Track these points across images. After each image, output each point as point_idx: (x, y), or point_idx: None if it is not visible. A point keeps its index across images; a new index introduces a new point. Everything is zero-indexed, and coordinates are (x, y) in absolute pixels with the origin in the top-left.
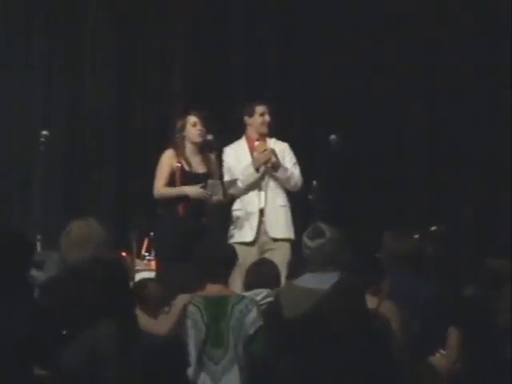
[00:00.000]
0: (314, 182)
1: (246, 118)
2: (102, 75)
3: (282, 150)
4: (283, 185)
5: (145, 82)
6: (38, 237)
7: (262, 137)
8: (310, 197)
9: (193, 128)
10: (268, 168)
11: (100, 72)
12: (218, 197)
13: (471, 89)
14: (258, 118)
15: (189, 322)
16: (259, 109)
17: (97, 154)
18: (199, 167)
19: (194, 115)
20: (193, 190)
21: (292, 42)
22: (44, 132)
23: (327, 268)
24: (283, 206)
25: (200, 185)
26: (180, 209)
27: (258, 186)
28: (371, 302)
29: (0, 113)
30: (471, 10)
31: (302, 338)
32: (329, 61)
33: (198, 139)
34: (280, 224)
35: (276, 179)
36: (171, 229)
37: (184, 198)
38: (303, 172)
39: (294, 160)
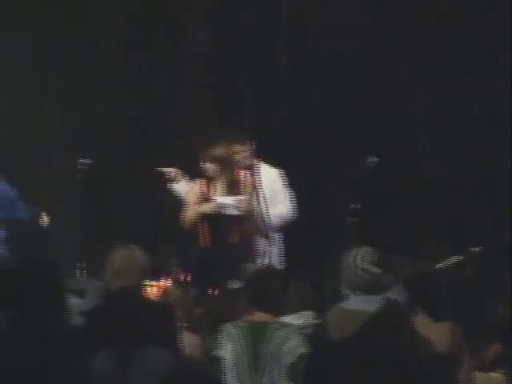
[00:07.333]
0: (354, 205)
1: None
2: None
3: None
4: None
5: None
6: (79, 264)
7: None
8: (349, 220)
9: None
10: None
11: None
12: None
13: None
14: None
15: (229, 344)
16: None
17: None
18: (222, 193)
19: (203, 155)
20: (205, 207)
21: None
22: (82, 160)
23: (372, 291)
24: None
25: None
26: (202, 236)
27: None
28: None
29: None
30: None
31: (348, 359)
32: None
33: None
34: None
35: None
36: (193, 258)
37: (205, 225)
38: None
39: None
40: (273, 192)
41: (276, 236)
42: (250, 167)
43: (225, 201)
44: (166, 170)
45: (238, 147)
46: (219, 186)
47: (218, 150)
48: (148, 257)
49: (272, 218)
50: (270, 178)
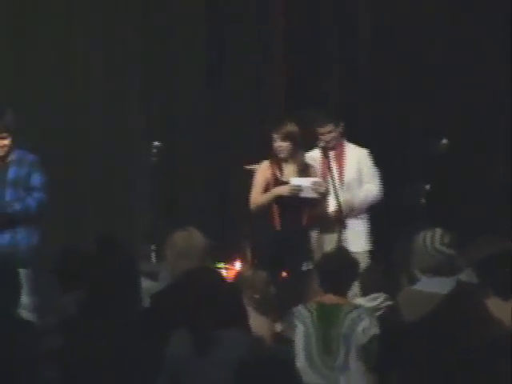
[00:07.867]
0: (428, 186)
1: None
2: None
3: None
4: None
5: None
6: (152, 248)
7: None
8: (422, 200)
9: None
10: None
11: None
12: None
13: None
14: None
15: (300, 326)
16: None
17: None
18: (294, 175)
19: (276, 132)
20: (281, 189)
21: None
22: (156, 143)
23: (445, 273)
24: None
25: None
26: (275, 218)
27: None
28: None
29: (108, 130)
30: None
31: (420, 341)
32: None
33: (281, 155)
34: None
35: None
36: (266, 241)
37: (278, 207)
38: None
39: None
40: (360, 172)
41: (362, 217)
42: (325, 149)
43: (300, 183)
44: (254, 167)
45: (323, 128)
46: (290, 167)
47: (289, 127)
48: (214, 239)
49: (359, 198)
50: (357, 158)
